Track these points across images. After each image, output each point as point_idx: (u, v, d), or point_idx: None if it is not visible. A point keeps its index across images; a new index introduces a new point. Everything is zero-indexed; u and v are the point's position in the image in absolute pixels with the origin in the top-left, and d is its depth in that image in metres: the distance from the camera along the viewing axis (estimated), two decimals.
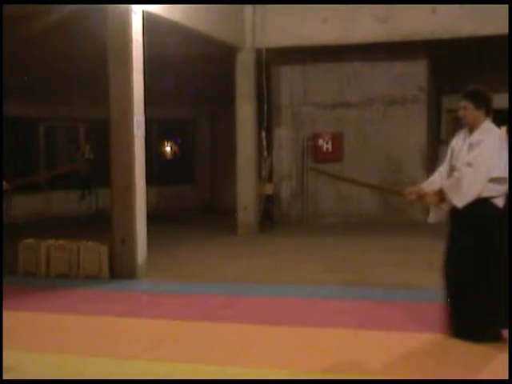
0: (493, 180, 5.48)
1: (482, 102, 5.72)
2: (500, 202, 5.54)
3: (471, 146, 5.60)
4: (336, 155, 14.33)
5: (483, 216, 5.58)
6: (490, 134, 5.59)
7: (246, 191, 13.13)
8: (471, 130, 5.73)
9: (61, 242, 9.23)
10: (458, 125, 17.65)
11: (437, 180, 5.89)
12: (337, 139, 14.35)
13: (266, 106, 12.82)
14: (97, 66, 9.70)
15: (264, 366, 5.27)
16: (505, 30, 10.83)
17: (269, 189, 14.04)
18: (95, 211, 16.71)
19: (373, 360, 5.31)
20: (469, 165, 5.52)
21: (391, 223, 13.72)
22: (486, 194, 5.51)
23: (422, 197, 5.96)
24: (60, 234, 10.24)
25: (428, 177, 13.86)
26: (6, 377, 4.79)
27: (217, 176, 18.23)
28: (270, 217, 14.15)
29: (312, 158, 14.70)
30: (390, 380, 4.87)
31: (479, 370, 5.09)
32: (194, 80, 15.32)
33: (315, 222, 14.56)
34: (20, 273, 9.10)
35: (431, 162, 15.58)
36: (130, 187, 8.66)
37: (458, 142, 5.80)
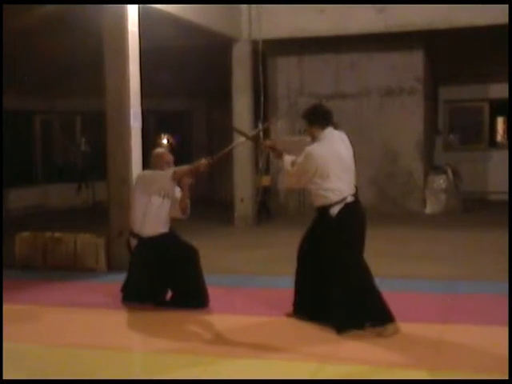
0: (326, 190, 5.87)
1: (314, 118, 6.05)
2: (334, 211, 5.88)
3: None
4: None
5: (319, 222, 6.13)
6: (308, 154, 5.90)
7: (243, 183, 13.11)
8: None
9: (58, 234, 9.22)
10: (454, 115, 17.73)
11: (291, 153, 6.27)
12: None
13: (262, 98, 12.79)
14: (93, 58, 9.67)
15: (264, 357, 5.28)
16: (502, 19, 10.82)
17: (266, 181, 14.02)
18: (92, 204, 16.67)
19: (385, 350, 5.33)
20: (292, 164, 6.07)
21: (388, 214, 13.71)
22: (319, 203, 6.02)
23: (272, 149, 6.41)
24: (57, 226, 10.22)
25: (424, 168, 13.80)
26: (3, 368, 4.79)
27: (214, 168, 18.19)
28: (267, 209, 14.14)
29: None
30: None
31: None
32: (191, 72, 15.27)
33: (312, 213, 14.44)
34: (17, 266, 9.09)
35: (428, 153, 15.61)
36: (126, 180, 8.63)
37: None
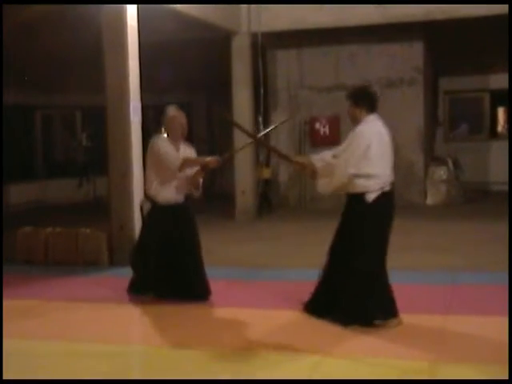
0: (362, 176, 5.62)
1: (362, 100, 5.81)
2: (370, 197, 5.66)
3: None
4: (333, 139, 14.26)
5: (351, 209, 5.83)
6: (357, 131, 5.70)
7: (244, 176, 13.12)
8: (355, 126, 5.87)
9: (59, 229, 9.23)
10: (455, 106, 17.68)
11: (326, 157, 5.95)
12: (334, 123, 14.33)
13: (262, 91, 12.79)
14: (93, 53, 9.67)
15: (264, 352, 5.29)
16: (501, 10, 10.79)
17: (266, 173, 14.03)
18: (93, 198, 16.69)
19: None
20: (335, 156, 5.80)
21: None
22: (355, 190, 5.70)
23: (304, 168, 6.07)
24: (58, 221, 10.23)
25: (425, 160, 13.78)
26: (5, 365, 4.80)
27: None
28: (268, 201, 14.15)
29: (309, 141, 14.69)
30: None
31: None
32: (190, 65, 15.27)
33: (313, 205, 14.55)
34: (18, 261, 9.09)
35: (429, 144, 15.60)
36: (127, 174, 8.64)
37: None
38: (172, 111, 6.84)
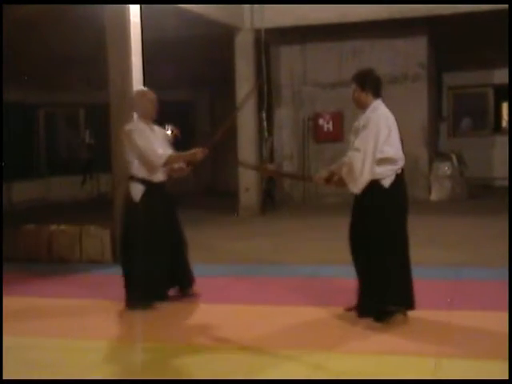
0: (384, 161, 5.52)
1: (368, 84, 5.71)
2: (386, 183, 5.58)
3: (358, 130, 5.66)
4: (337, 135, 14.29)
5: (368, 197, 5.65)
6: (373, 117, 5.58)
7: (248, 173, 13.09)
8: (362, 112, 5.75)
9: (62, 227, 9.22)
10: (459, 101, 17.62)
11: (345, 159, 5.82)
12: (337, 118, 14.30)
13: (265, 87, 12.76)
14: (95, 50, 9.66)
15: (270, 346, 5.27)
16: (505, 5, 10.74)
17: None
18: (96, 196, 16.68)
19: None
20: (356, 150, 5.58)
21: None
22: (374, 177, 5.56)
23: (329, 183, 5.96)
24: (61, 219, 10.22)
25: (429, 155, 13.77)
26: (5, 362, 4.79)
27: (217, 158, 18.19)
28: (272, 198, 14.13)
29: (313, 137, 14.66)
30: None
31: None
32: (194, 62, 15.25)
33: (317, 202, 14.53)
34: (22, 259, 9.08)
35: (433, 139, 15.56)
36: None
37: (356, 124, 5.81)
38: (141, 88, 6.73)
